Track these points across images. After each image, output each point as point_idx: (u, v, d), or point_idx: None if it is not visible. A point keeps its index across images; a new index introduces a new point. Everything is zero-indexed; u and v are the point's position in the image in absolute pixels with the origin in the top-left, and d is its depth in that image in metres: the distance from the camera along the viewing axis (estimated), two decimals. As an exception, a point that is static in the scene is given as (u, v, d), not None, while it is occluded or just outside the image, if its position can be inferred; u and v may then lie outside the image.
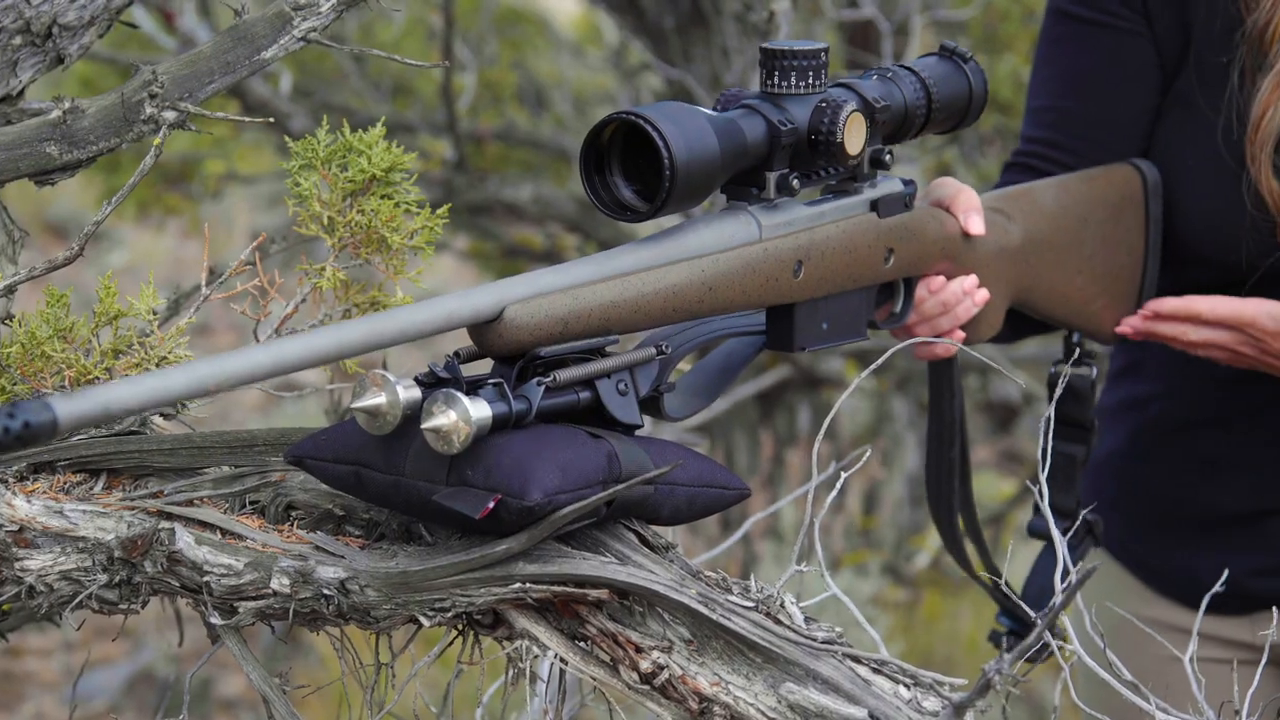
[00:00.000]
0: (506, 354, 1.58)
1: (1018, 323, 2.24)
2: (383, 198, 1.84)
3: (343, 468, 1.62)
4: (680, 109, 1.64)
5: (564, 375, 1.58)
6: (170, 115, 1.78)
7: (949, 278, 2.01)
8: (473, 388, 1.54)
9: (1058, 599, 1.46)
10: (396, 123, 4.88)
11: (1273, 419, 2.32)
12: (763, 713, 1.53)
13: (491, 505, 1.52)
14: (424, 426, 1.51)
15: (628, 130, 1.64)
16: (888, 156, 1.85)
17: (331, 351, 1.46)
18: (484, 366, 1.61)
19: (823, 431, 1.66)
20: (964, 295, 2.01)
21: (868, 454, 1.88)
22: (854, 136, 1.76)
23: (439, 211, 1.85)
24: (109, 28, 1.82)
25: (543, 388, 1.57)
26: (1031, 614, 1.52)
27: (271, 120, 1.93)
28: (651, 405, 1.70)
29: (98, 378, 1.73)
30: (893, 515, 5.17)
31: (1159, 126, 2.32)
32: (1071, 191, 2.23)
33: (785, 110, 1.74)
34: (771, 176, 1.74)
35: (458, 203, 4.57)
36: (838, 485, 1.67)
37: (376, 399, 1.52)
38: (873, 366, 1.75)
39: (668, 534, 1.69)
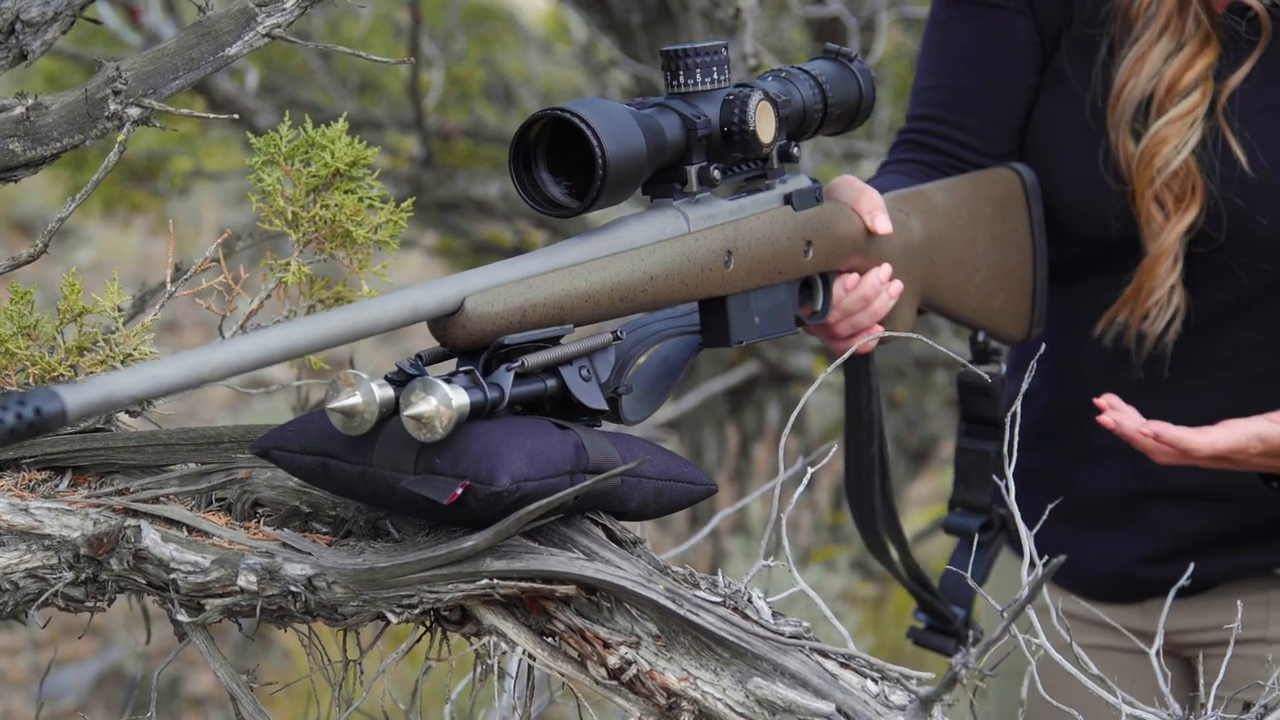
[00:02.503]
0: (468, 345, 1.59)
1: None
2: (346, 192, 1.83)
3: (309, 459, 1.62)
4: (606, 105, 1.68)
5: (532, 360, 1.60)
6: (134, 112, 1.78)
7: (862, 274, 2.05)
8: (450, 377, 1.55)
9: (1024, 592, 1.46)
10: (364, 119, 4.87)
11: (1150, 404, 2.36)
12: (730, 707, 1.53)
13: (459, 491, 1.52)
14: (405, 414, 1.51)
15: (554, 127, 1.67)
16: (795, 150, 1.89)
17: (313, 342, 1.48)
18: (446, 369, 1.61)
19: (789, 426, 1.67)
20: (880, 287, 2.05)
21: (834, 449, 1.88)
22: (765, 125, 1.80)
23: (403, 205, 1.85)
24: (72, 24, 1.81)
25: (512, 374, 1.58)
26: (997, 606, 1.52)
27: (237, 117, 1.93)
28: (610, 407, 1.72)
29: (62, 374, 1.72)
30: (862, 510, 5.16)
31: (1037, 103, 2.39)
32: (959, 191, 2.28)
33: (695, 106, 1.78)
34: (692, 170, 1.78)
35: (426, 199, 4.56)
36: (805, 480, 1.68)
37: (352, 399, 1.52)
38: (838, 363, 1.75)
39: (635, 529, 1.69)
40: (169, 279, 1.85)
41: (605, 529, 1.63)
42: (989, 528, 2.36)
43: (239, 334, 1.85)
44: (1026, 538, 1.64)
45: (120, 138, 1.78)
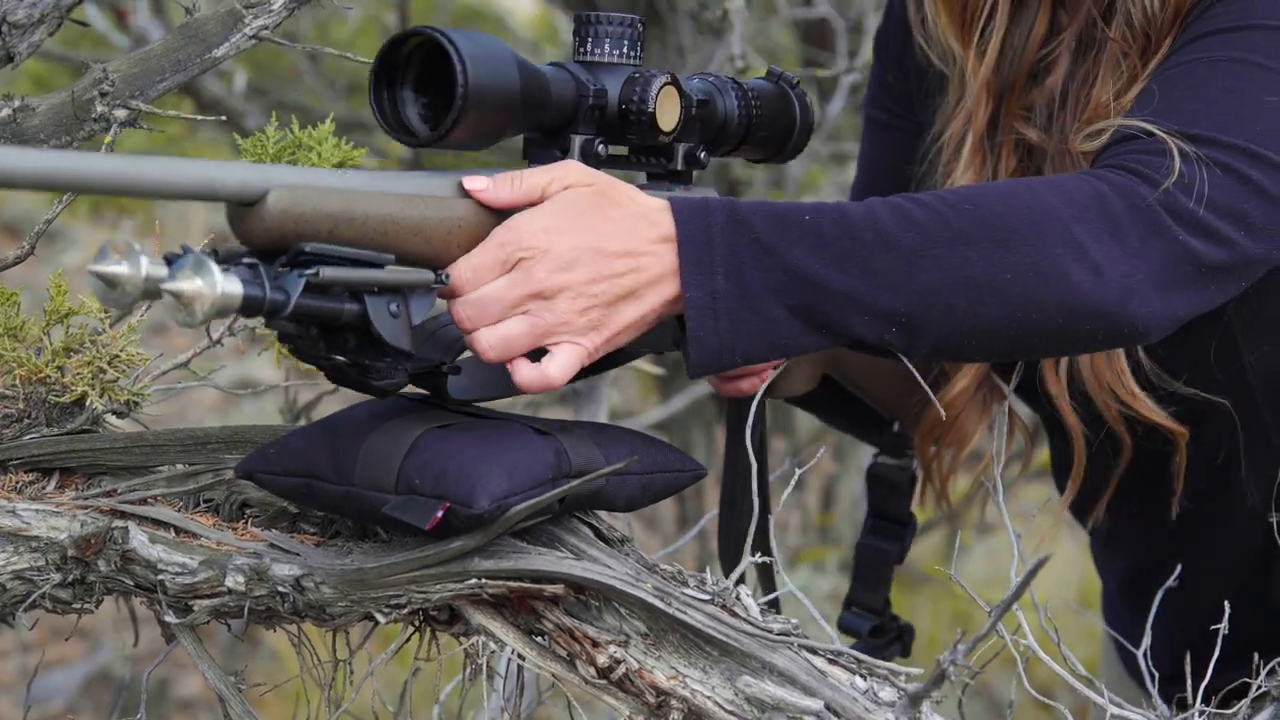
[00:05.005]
0: (265, 243, 1.45)
1: (834, 400, 2.11)
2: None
3: (294, 480, 1.60)
4: (488, 38, 1.56)
5: (329, 272, 1.44)
6: (121, 113, 1.78)
7: None
8: (228, 263, 1.41)
9: (1011, 591, 1.46)
10: (352, 121, 4.86)
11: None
12: (720, 705, 1.53)
13: (440, 514, 1.51)
14: (165, 288, 1.36)
15: (429, 50, 1.54)
16: (702, 155, 1.74)
17: (67, 176, 1.34)
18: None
19: (767, 421, 1.66)
20: None
21: (822, 451, 1.88)
22: (667, 111, 1.67)
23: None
24: (59, 25, 1.81)
25: (304, 280, 1.43)
26: (985, 605, 1.53)
27: (225, 119, 1.93)
28: (429, 381, 1.62)
29: (49, 376, 1.72)
30: (850, 511, 5.17)
31: None
32: None
33: (596, 76, 1.65)
34: (577, 139, 1.64)
35: (414, 201, 4.55)
36: (792, 481, 1.68)
37: (117, 266, 1.35)
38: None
39: (622, 525, 1.69)
40: (156, 280, 1.84)
41: (593, 528, 1.63)
42: (881, 632, 2.18)
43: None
44: (1014, 540, 1.64)
45: (107, 139, 1.78)
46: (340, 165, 1.82)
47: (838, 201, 1.65)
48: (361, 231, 1.48)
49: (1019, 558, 1.70)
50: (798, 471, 1.72)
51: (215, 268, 1.37)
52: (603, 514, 1.67)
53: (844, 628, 2.17)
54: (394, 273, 1.49)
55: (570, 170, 1.60)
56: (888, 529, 2.17)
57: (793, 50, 5.36)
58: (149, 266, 1.35)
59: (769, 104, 1.79)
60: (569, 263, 1.56)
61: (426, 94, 1.56)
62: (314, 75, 5.25)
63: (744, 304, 1.59)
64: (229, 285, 1.37)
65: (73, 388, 1.72)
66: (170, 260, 1.37)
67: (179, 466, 1.71)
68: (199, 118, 1.87)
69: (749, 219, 1.60)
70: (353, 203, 1.47)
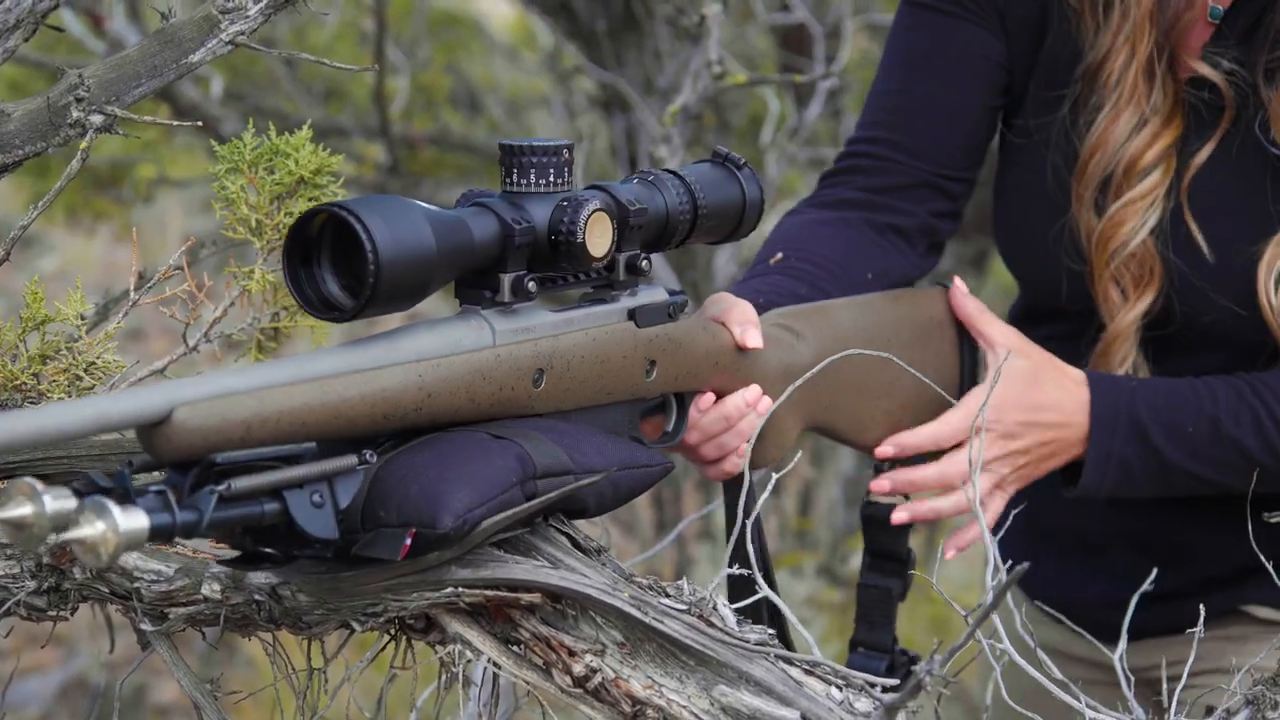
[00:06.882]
0: (177, 459, 1.42)
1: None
2: (310, 200, 1.83)
3: None
4: (393, 203, 1.53)
5: (240, 484, 1.43)
6: (97, 119, 1.77)
7: (727, 393, 1.89)
8: (139, 494, 1.38)
9: (988, 598, 1.47)
10: (329, 126, 4.87)
11: None
12: (695, 715, 1.53)
13: (408, 541, 1.50)
14: (65, 538, 1.33)
15: (337, 224, 1.52)
16: (644, 263, 1.74)
17: None
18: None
19: (755, 435, 1.67)
20: (746, 408, 1.90)
21: (799, 455, 1.88)
22: (597, 238, 1.66)
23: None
24: (35, 31, 1.81)
25: (215, 496, 1.41)
26: (961, 611, 1.53)
27: (200, 124, 1.92)
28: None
29: (24, 383, 1.72)
30: (828, 516, 5.18)
31: (1002, 162, 2.29)
32: (875, 310, 2.13)
33: (523, 209, 1.63)
34: (506, 279, 1.62)
35: (391, 206, 4.54)
36: (769, 486, 1.68)
37: (21, 510, 1.31)
38: (805, 378, 1.74)
39: (598, 532, 1.69)
40: (133, 287, 1.84)
41: (569, 537, 1.63)
42: (894, 669, 2.19)
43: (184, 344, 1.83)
44: (991, 544, 1.64)
45: (83, 145, 1.78)
46: (317, 171, 1.82)
47: (1206, 406, 2.12)
48: (277, 429, 1.46)
49: (994, 560, 1.70)
50: (774, 476, 1.72)
51: (114, 509, 1.33)
52: (580, 521, 1.67)
53: (854, 669, 2.15)
54: (312, 467, 1.48)
55: (1009, 338, 2.12)
56: (887, 566, 2.19)
57: (770, 56, 5.37)
58: (53, 504, 1.32)
59: (714, 189, 1.79)
60: (1014, 434, 2.09)
61: (344, 266, 1.54)
62: (291, 81, 5.25)
63: (1124, 484, 2.13)
64: (131, 522, 1.34)
65: (48, 395, 1.71)
66: (78, 492, 1.35)
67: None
68: (175, 123, 1.87)
69: (1149, 428, 2.12)
70: (264, 403, 1.45)
